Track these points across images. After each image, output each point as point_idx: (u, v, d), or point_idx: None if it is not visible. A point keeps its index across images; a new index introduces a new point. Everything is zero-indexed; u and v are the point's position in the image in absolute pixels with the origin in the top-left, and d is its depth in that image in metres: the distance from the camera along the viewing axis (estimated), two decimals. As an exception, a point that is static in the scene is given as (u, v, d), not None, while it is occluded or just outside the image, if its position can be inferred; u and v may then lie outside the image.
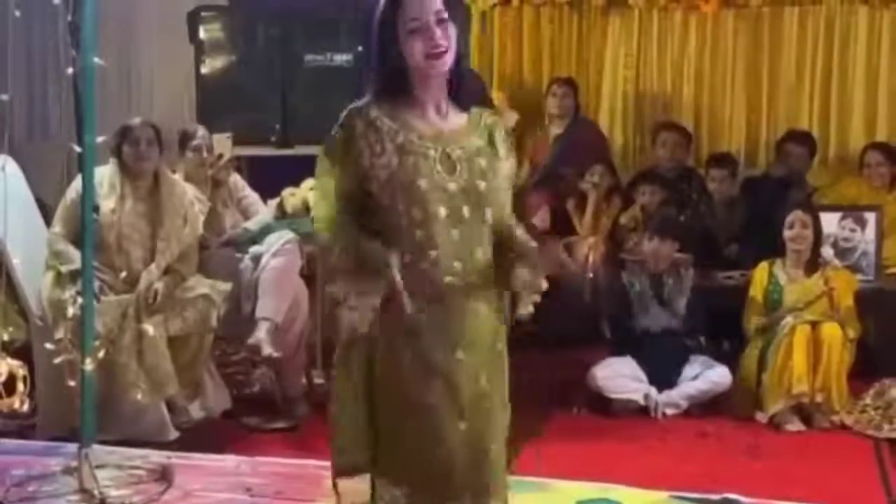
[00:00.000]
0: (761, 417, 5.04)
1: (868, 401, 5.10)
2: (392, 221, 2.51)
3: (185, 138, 5.28)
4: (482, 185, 2.56)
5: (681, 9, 6.85)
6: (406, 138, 2.52)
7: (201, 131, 5.37)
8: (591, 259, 5.95)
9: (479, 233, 2.57)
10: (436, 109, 2.59)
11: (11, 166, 4.62)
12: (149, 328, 4.64)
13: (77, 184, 4.45)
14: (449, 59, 2.52)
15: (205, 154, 5.26)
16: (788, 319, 5.09)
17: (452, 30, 2.53)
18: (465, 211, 2.54)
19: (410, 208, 2.50)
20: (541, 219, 6.21)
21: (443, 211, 2.51)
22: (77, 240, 4.41)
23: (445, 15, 2.50)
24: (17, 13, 3.87)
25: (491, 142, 2.63)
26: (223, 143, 5.35)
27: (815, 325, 5.04)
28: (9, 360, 3.80)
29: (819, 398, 4.99)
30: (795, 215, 5.27)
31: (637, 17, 6.93)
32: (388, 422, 2.59)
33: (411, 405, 2.55)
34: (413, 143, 2.52)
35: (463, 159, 2.56)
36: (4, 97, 4.08)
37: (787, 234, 5.28)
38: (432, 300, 2.53)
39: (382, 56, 2.54)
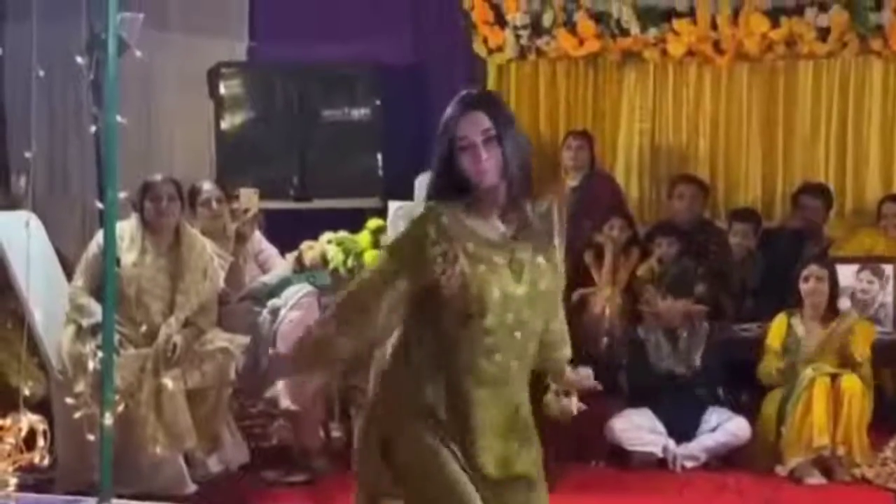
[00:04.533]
0: (781, 470, 5.01)
1: (889, 454, 5.07)
2: (459, 330, 2.58)
3: (193, 195, 5.33)
4: (542, 285, 2.64)
5: (696, 63, 6.89)
6: (476, 246, 2.58)
7: (207, 185, 5.43)
8: (607, 311, 5.96)
9: (535, 330, 2.66)
10: (499, 214, 2.63)
11: (35, 222, 4.66)
12: (168, 382, 4.65)
13: (99, 238, 4.50)
14: (493, 175, 2.57)
15: (214, 206, 5.31)
16: (808, 372, 5.07)
17: (503, 147, 2.57)
18: (527, 314, 2.62)
19: (483, 317, 2.56)
20: (558, 271, 6.22)
21: (510, 317, 2.59)
22: (98, 294, 4.44)
23: (493, 133, 2.56)
24: (42, 72, 3.93)
25: (547, 229, 2.68)
26: (250, 198, 5.41)
27: (834, 377, 5.03)
28: (29, 415, 3.81)
29: (840, 451, 4.96)
30: (810, 270, 5.28)
31: (652, 71, 6.98)
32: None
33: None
34: (482, 251, 2.58)
35: (527, 261, 2.63)
36: (28, 154, 4.14)
37: (802, 287, 5.28)
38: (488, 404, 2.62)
39: (443, 167, 2.61)
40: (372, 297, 2.58)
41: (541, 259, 2.65)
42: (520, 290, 2.60)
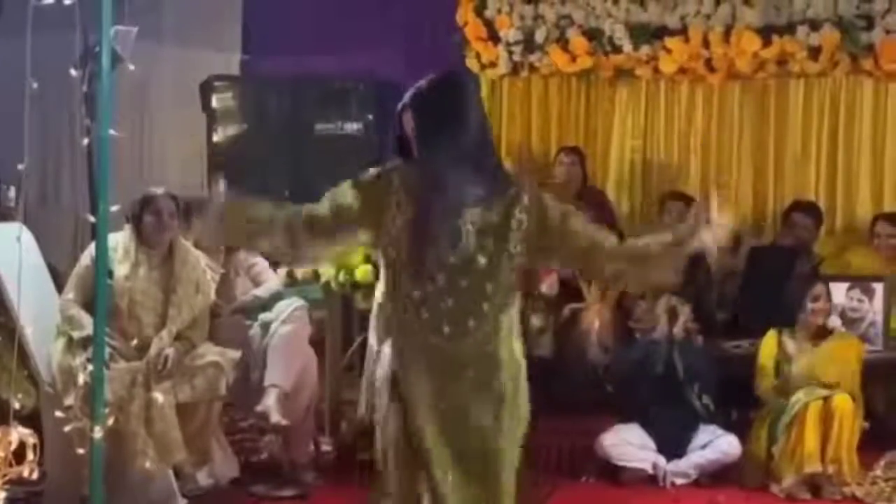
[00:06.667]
0: (776, 490, 5.00)
1: (879, 472, 5.09)
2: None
3: (188, 209, 5.31)
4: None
5: (687, 80, 6.92)
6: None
7: None
8: (597, 326, 5.96)
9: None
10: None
11: (26, 235, 4.65)
12: (158, 396, 4.63)
13: (91, 250, 4.47)
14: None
15: None
16: (800, 395, 5.07)
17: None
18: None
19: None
20: (549, 286, 6.23)
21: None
22: (90, 306, 4.42)
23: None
24: (35, 85, 3.93)
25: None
26: None
27: (825, 398, 5.03)
28: (20, 428, 3.79)
29: (830, 470, 4.96)
30: (819, 290, 5.30)
31: (644, 88, 7.01)
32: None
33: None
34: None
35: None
36: (20, 166, 4.13)
37: (811, 306, 5.28)
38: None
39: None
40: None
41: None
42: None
